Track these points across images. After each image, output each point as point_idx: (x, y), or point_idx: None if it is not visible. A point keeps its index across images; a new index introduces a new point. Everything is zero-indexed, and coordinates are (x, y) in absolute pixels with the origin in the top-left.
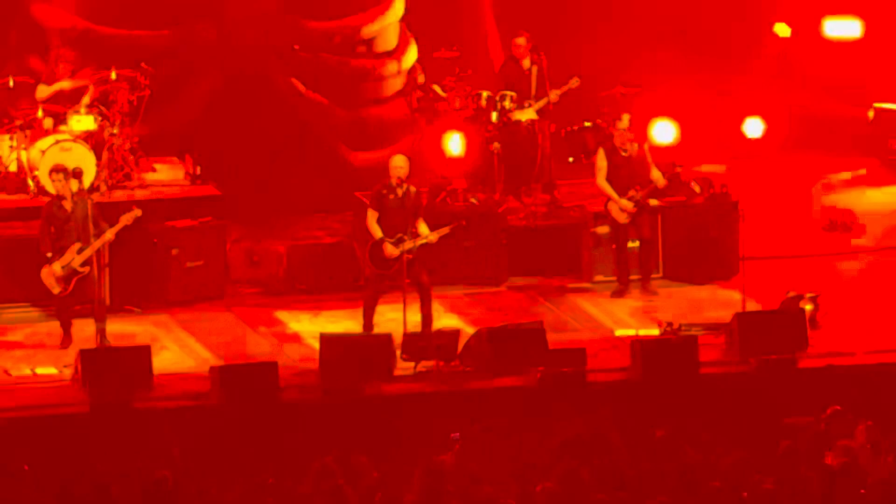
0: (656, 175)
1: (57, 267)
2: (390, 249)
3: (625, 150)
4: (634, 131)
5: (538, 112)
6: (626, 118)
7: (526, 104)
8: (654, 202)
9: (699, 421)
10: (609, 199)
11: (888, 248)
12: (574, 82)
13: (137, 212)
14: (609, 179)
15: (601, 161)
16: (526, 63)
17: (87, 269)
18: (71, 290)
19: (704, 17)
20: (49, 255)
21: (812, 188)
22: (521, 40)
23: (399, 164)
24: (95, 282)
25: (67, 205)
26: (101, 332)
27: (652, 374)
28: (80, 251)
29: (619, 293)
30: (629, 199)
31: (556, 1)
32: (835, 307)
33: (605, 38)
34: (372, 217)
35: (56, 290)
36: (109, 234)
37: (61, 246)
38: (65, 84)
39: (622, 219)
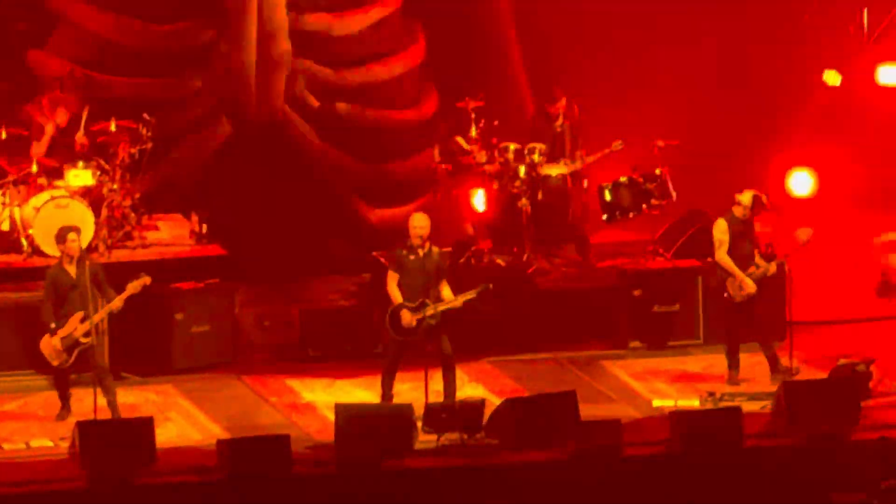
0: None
1: (58, 338)
2: (411, 315)
3: (746, 222)
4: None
5: (572, 173)
6: (748, 194)
7: (561, 163)
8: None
9: (744, 498)
10: (729, 275)
11: None
12: (617, 145)
13: (146, 279)
14: (729, 254)
15: (721, 234)
16: (559, 121)
17: (90, 339)
18: (73, 361)
19: (749, 64)
20: (53, 325)
21: (865, 248)
22: (560, 103)
23: (419, 223)
24: (99, 351)
25: (72, 269)
26: (112, 405)
27: (693, 447)
28: (83, 320)
29: (734, 379)
30: (749, 275)
31: (590, 47)
32: (890, 375)
33: (642, 88)
34: (392, 280)
35: (56, 361)
36: (116, 303)
37: (64, 314)
38: (58, 119)
39: (739, 297)
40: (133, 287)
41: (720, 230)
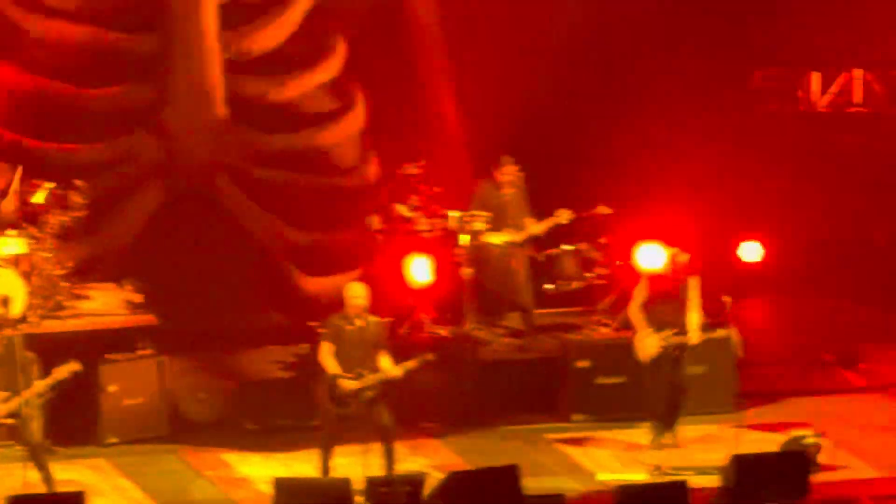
0: (693, 320)
1: None
2: (348, 386)
3: (669, 281)
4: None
5: (515, 241)
6: (680, 252)
7: (504, 231)
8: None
9: None
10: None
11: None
12: (563, 215)
13: (76, 366)
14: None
15: (639, 289)
16: (507, 189)
17: (14, 420)
18: None
19: (695, 129)
20: None
21: (816, 319)
22: (508, 169)
23: (356, 293)
24: (29, 428)
25: None
26: (47, 481)
27: None
28: (6, 400)
29: (657, 443)
30: (663, 339)
31: (533, 114)
32: (840, 449)
33: (587, 152)
34: (327, 351)
35: None
36: (40, 387)
37: None
38: None
39: (643, 356)
40: (60, 373)
41: (639, 285)
